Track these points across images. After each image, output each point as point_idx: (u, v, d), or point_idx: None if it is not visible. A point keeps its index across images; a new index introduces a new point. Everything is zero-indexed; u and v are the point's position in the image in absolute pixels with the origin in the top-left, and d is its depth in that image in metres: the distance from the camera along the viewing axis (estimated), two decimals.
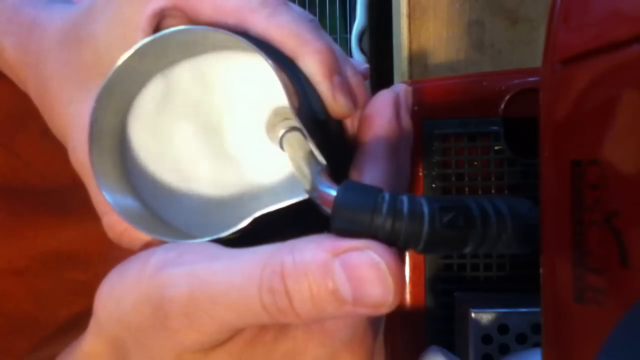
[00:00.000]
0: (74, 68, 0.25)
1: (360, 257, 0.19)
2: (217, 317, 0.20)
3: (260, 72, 0.24)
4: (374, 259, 0.19)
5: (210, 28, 0.22)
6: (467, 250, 0.20)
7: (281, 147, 0.23)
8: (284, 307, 0.19)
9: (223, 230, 0.22)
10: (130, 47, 0.22)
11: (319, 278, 0.19)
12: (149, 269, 0.21)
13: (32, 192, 0.41)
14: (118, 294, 0.22)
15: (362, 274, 0.19)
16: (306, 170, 0.22)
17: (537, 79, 0.36)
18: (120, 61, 0.22)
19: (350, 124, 0.24)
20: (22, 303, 0.43)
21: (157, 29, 0.24)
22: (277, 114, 0.24)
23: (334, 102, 0.23)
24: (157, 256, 0.21)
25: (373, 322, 0.23)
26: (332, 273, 0.19)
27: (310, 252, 0.19)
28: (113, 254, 0.28)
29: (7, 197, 0.40)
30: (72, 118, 0.25)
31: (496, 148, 0.44)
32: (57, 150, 0.26)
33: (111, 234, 0.25)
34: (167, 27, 0.24)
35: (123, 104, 0.24)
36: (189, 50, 0.24)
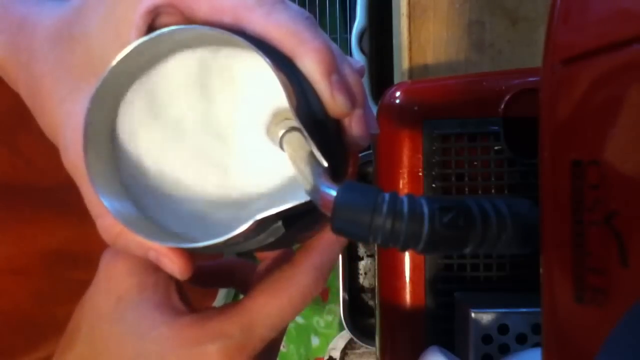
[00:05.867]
0: (66, 67, 0.25)
1: None
2: None
3: (258, 71, 0.23)
4: None
5: (207, 27, 0.22)
6: (467, 250, 0.20)
7: (281, 147, 0.23)
8: None
9: (222, 234, 0.22)
10: (124, 45, 0.22)
11: None
12: None
13: (32, 190, 0.41)
14: None
15: None
16: (307, 170, 0.22)
17: (537, 79, 0.36)
18: (114, 62, 0.22)
19: (348, 124, 0.24)
20: (21, 302, 0.43)
21: (151, 26, 0.24)
22: (276, 114, 0.24)
23: (333, 101, 0.23)
24: None
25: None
26: None
27: None
28: None
29: (7, 195, 0.40)
30: (63, 118, 0.25)
31: (496, 148, 0.44)
32: (58, 149, 0.26)
33: (106, 236, 0.25)
34: (162, 25, 0.24)
35: (117, 104, 0.24)
36: (184, 49, 0.24)
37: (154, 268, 0.26)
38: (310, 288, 0.26)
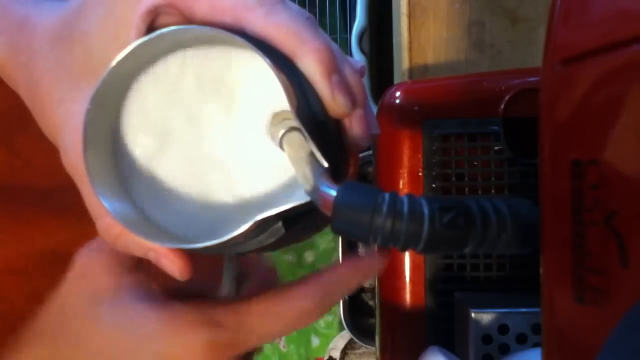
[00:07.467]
0: (66, 67, 0.25)
1: None
2: None
3: (258, 72, 0.23)
4: None
5: (207, 28, 0.22)
6: (467, 250, 0.20)
7: (281, 147, 0.23)
8: None
9: (222, 235, 0.22)
10: (123, 45, 0.22)
11: None
12: None
13: (30, 191, 0.41)
14: None
15: None
16: (307, 170, 0.22)
17: (537, 79, 0.36)
18: (114, 62, 0.22)
19: (348, 124, 0.24)
20: (18, 302, 0.43)
21: (150, 27, 0.24)
22: (276, 114, 0.24)
23: (333, 101, 0.23)
24: None
25: None
26: None
27: None
28: None
29: (5, 196, 0.40)
30: (63, 118, 0.25)
31: (496, 148, 0.44)
32: (57, 149, 0.26)
33: (105, 237, 0.25)
34: (161, 25, 0.24)
35: (117, 104, 0.24)
36: (184, 49, 0.24)
37: (133, 267, 0.26)
38: (309, 314, 0.25)
